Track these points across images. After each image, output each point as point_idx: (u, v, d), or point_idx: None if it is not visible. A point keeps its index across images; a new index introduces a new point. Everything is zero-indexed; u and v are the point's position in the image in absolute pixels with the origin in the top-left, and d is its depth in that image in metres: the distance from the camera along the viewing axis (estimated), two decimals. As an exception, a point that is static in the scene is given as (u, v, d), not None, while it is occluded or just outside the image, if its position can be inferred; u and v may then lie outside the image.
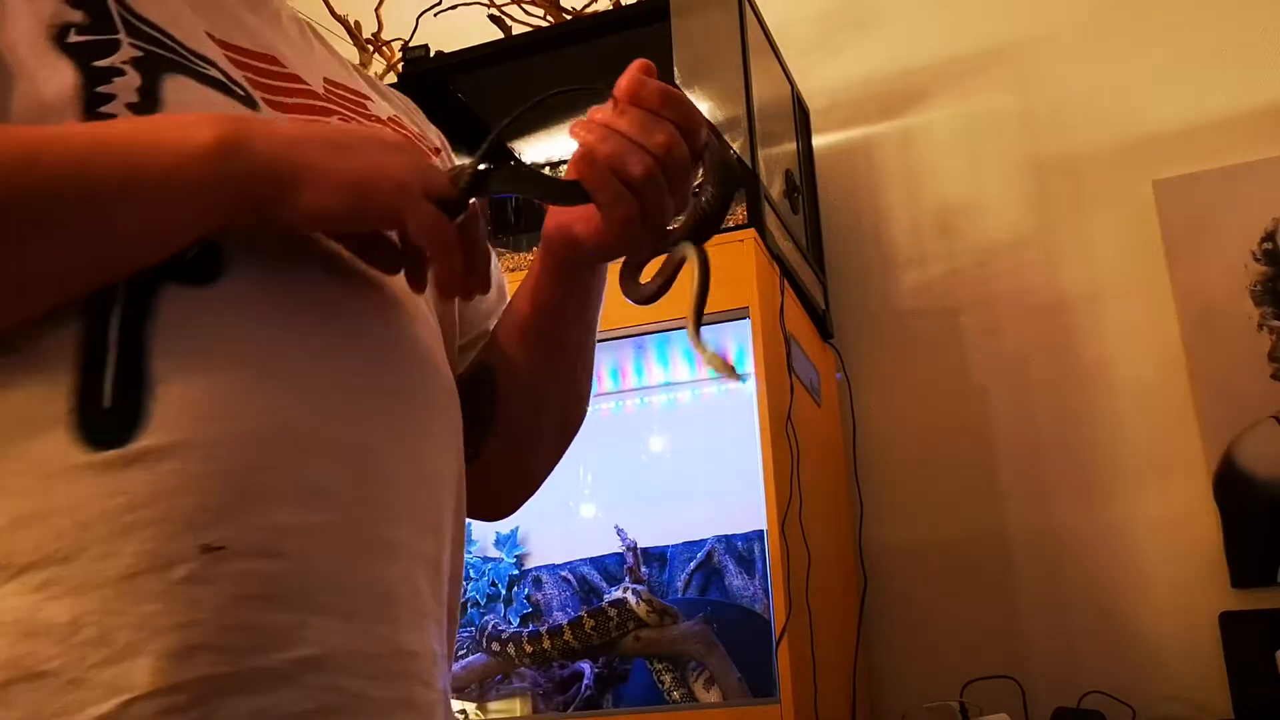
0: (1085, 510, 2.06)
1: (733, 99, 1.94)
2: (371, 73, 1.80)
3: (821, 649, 1.68)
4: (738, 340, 1.87)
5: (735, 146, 1.90)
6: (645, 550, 1.97)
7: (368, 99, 0.87)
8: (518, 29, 2.14)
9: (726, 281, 1.73)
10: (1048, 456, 2.11)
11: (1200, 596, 1.94)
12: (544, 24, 2.14)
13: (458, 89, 2.11)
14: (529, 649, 1.84)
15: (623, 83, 0.72)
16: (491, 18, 2.15)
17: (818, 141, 2.37)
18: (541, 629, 1.86)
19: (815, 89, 2.36)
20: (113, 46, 0.66)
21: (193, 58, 0.71)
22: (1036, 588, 2.06)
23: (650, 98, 0.72)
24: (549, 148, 2.20)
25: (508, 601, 2.02)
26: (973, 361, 2.20)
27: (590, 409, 0.95)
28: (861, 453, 2.15)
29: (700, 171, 0.75)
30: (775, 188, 2.03)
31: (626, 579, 1.93)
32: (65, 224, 0.59)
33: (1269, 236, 2.04)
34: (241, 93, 0.72)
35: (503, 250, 1.98)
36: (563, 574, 2.00)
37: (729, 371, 0.69)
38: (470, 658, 1.89)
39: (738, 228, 1.82)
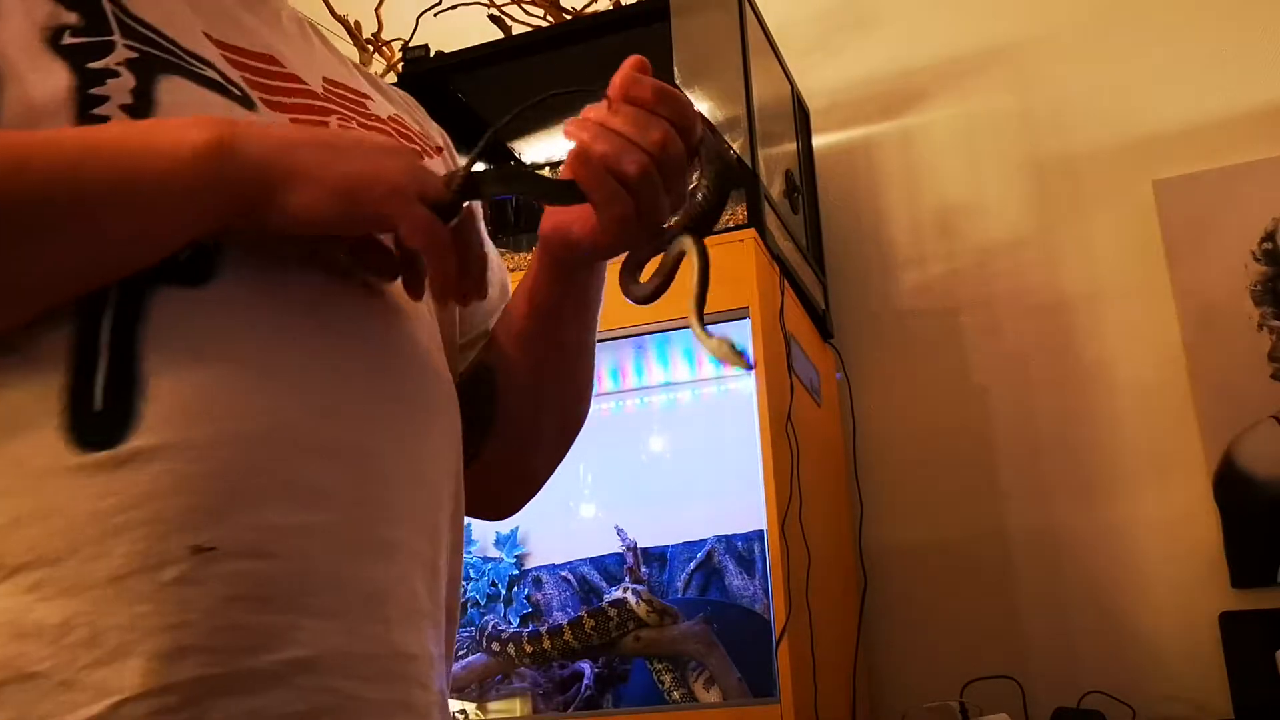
0: (1085, 510, 2.06)
1: (733, 99, 1.94)
2: (371, 72, 1.79)
3: (821, 649, 1.68)
4: (738, 340, 1.87)
5: (735, 146, 1.90)
6: (645, 550, 1.97)
7: (368, 98, 0.87)
8: (518, 29, 2.14)
9: (726, 281, 1.73)
10: (1048, 456, 2.11)
11: (1200, 596, 1.94)
12: (544, 24, 2.14)
13: (458, 89, 2.11)
14: (529, 649, 1.84)
15: (616, 80, 0.72)
16: (491, 18, 2.15)
17: (818, 141, 2.37)
18: (541, 629, 1.86)
19: (815, 89, 2.36)
20: (107, 48, 0.66)
21: (189, 58, 0.70)
22: (1037, 588, 2.06)
23: (644, 95, 0.71)
24: (549, 148, 2.21)
25: (508, 601, 2.02)
26: (973, 361, 2.20)
27: (590, 409, 0.94)
28: (861, 453, 2.15)
29: (696, 168, 0.74)
30: (775, 188, 2.03)
31: (626, 579, 1.93)
32: (56, 228, 0.59)
33: (1269, 236, 2.04)
34: (239, 93, 0.72)
35: (503, 250, 1.98)
36: (563, 574, 2.00)
37: (736, 358, 0.68)
38: (470, 658, 1.89)
39: (738, 228, 1.82)
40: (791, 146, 2.24)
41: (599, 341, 0.90)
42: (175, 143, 0.61)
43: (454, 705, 1.86)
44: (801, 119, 2.31)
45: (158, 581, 0.57)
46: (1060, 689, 1.90)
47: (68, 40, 0.66)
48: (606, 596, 1.88)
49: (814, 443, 1.90)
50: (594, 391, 0.94)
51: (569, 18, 2.12)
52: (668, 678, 1.80)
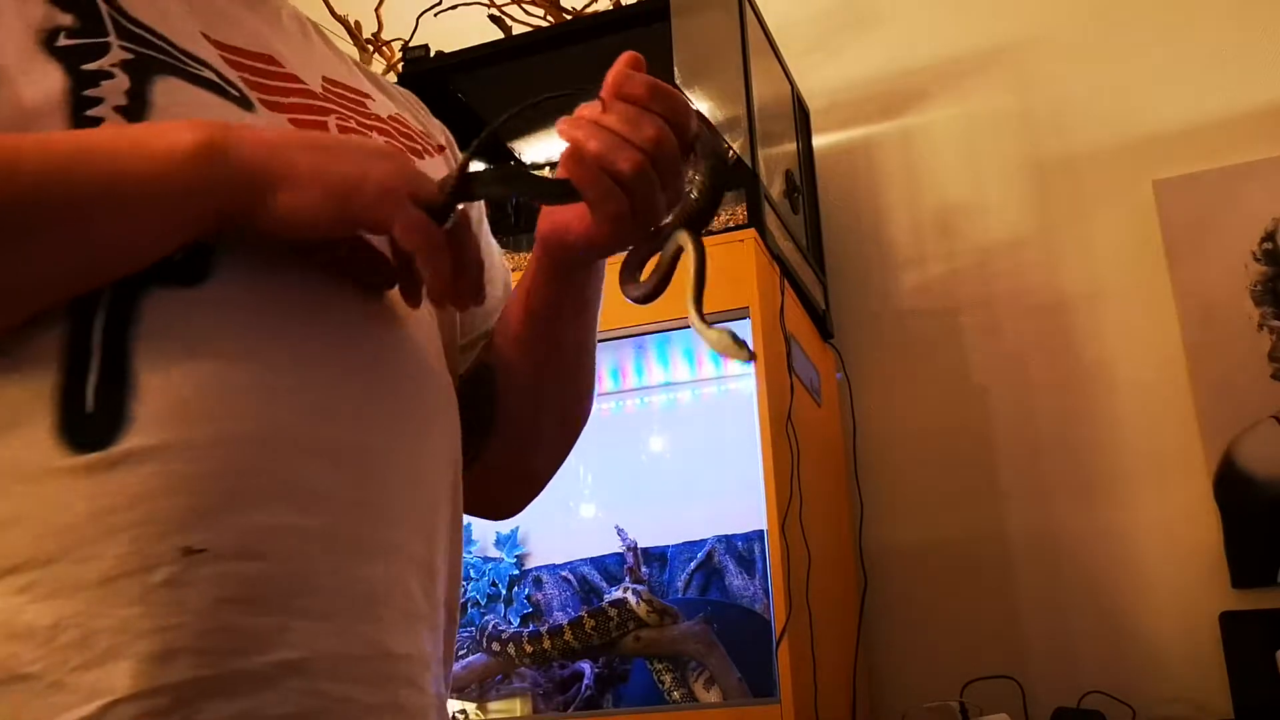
0: (1085, 510, 2.06)
1: (733, 99, 1.94)
2: (373, 71, 1.79)
3: (821, 649, 1.68)
4: (737, 333, 1.87)
5: (735, 146, 1.90)
6: (645, 550, 1.97)
7: (368, 98, 0.86)
8: (518, 29, 2.14)
9: (726, 281, 1.73)
10: (1048, 457, 2.11)
11: (1200, 596, 1.94)
12: (544, 24, 2.14)
13: (458, 89, 2.11)
14: (529, 649, 1.84)
15: (610, 78, 0.71)
16: (491, 18, 2.15)
17: (818, 141, 2.37)
18: (542, 629, 1.86)
19: (815, 89, 2.36)
20: (102, 49, 0.66)
21: (185, 59, 0.70)
22: (1037, 588, 2.06)
23: (638, 91, 0.70)
24: (549, 148, 2.21)
25: (508, 601, 2.02)
26: (973, 361, 2.20)
27: (592, 409, 0.94)
28: (861, 453, 2.15)
29: (692, 164, 0.73)
30: (775, 188, 2.03)
31: (627, 579, 1.93)
32: (48, 231, 0.59)
33: (1269, 236, 2.04)
34: (236, 93, 0.72)
35: (503, 250, 1.98)
36: (563, 574, 2.01)
37: (737, 350, 0.67)
38: (470, 658, 1.89)
39: (738, 228, 1.82)
40: (791, 146, 2.24)
41: (599, 341, 0.90)
42: (167, 145, 0.61)
43: (454, 705, 1.86)
44: (801, 119, 2.31)
45: (148, 583, 0.57)
46: (1060, 689, 1.90)
47: (63, 42, 0.65)
48: (607, 596, 1.88)
49: (814, 443, 1.90)
50: (595, 391, 0.94)
51: (569, 18, 2.12)
52: (668, 678, 1.80)
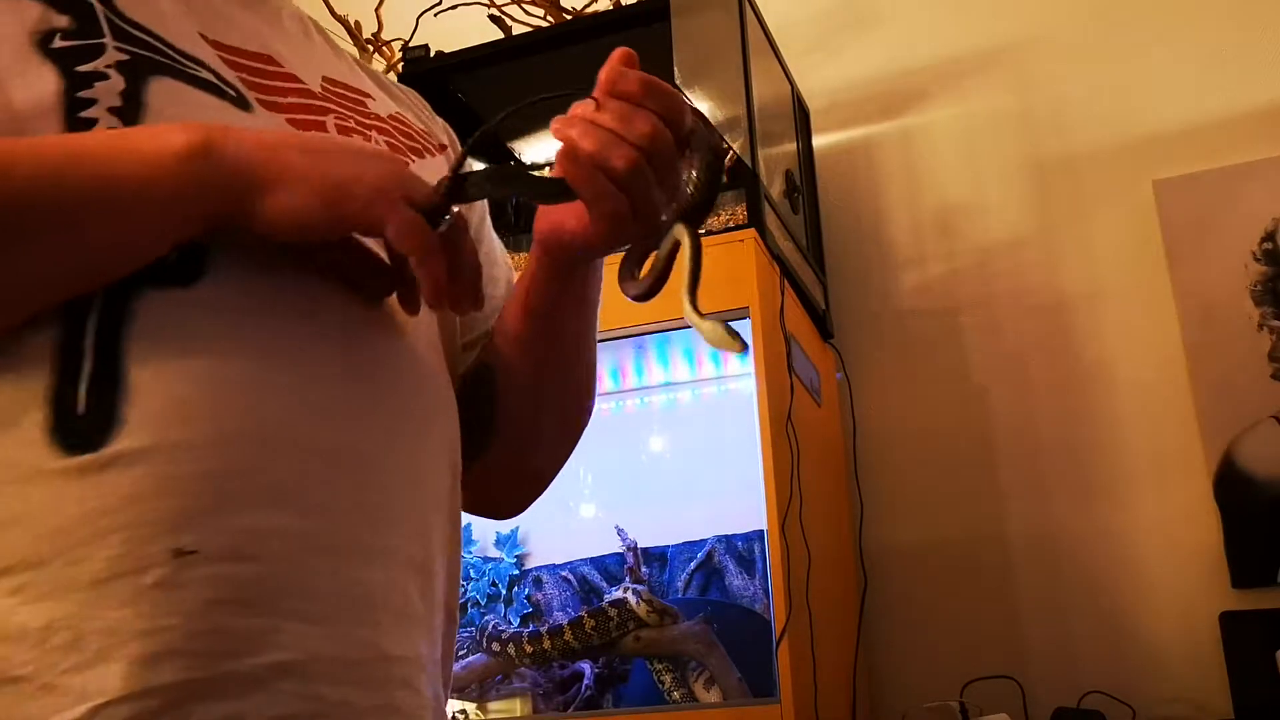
0: (1085, 510, 2.06)
1: (733, 99, 1.94)
2: (375, 70, 1.80)
3: (821, 649, 1.68)
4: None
5: (735, 146, 1.90)
6: (645, 550, 1.97)
7: (368, 97, 0.86)
8: (518, 29, 2.14)
9: (726, 281, 1.73)
10: (1048, 457, 2.11)
11: (1200, 596, 1.94)
12: (544, 24, 2.14)
13: (458, 89, 2.11)
14: (529, 649, 1.84)
15: (602, 75, 0.71)
16: (491, 18, 2.15)
17: (818, 141, 2.37)
18: (542, 629, 1.86)
19: (815, 89, 2.36)
20: (97, 51, 0.66)
21: (182, 60, 0.70)
22: (1037, 587, 2.06)
23: (630, 88, 0.70)
24: (549, 147, 2.20)
25: (508, 601, 2.02)
26: (973, 361, 2.20)
27: (594, 408, 0.94)
28: (861, 453, 2.15)
29: (688, 159, 0.73)
30: (775, 188, 2.03)
31: (627, 579, 1.93)
32: (41, 235, 0.59)
33: (1269, 236, 2.04)
34: (234, 94, 0.72)
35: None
36: (563, 574, 2.01)
37: (731, 342, 0.67)
38: (470, 658, 1.89)
39: (738, 228, 1.82)
40: (791, 146, 2.24)
41: (599, 341, 0.89)
42: (158, 147, 0.61)
43: (454, 705, 1.86)
44: (801, 119, 2.31)
45: (138, 585, 0.57)
46: (1060, 689, 1.90)
47: (58, 44, 0.65)
48: (607, 596, 1.88)
49: (814, 443, 1.90)
50: (596, 391, 0.93)
51: (569, 18, 2.12)
52: (668, 678, 1.80)
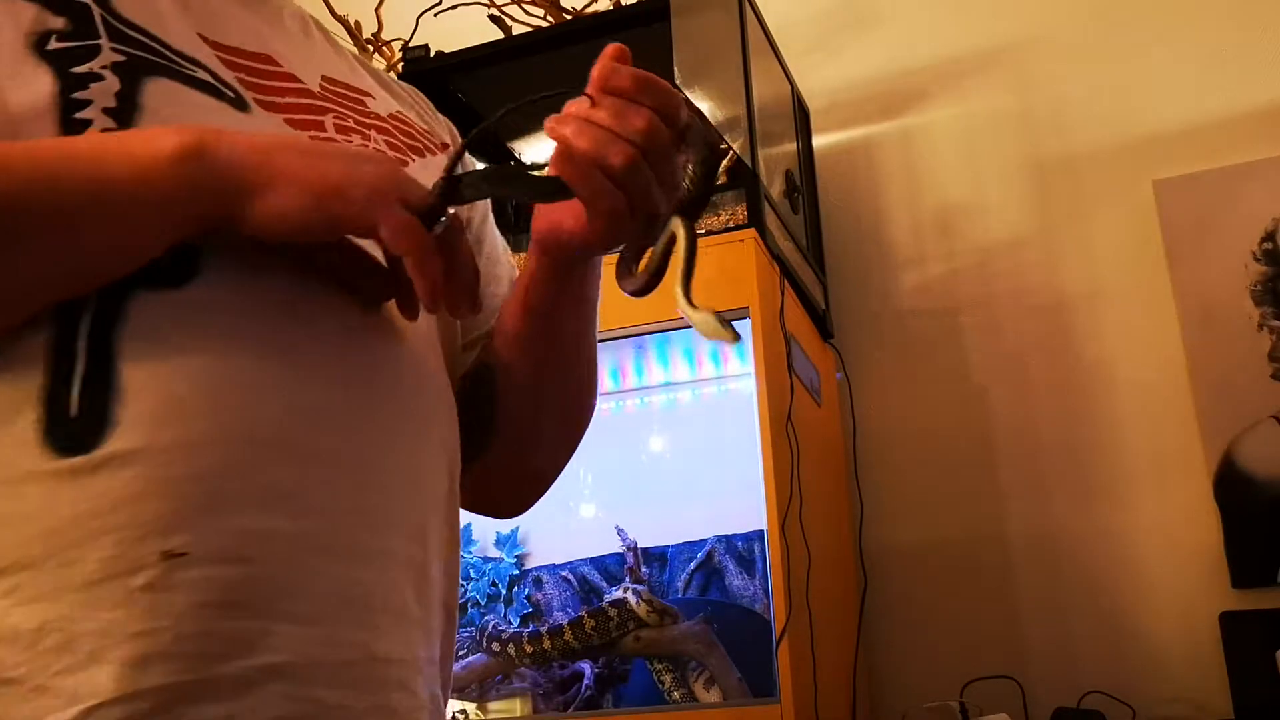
0: (1085, 510, 2.06)
1: (733, 99, 1.94)
2: (377, 68, 1.80)
3: (821, 649, 1.68)
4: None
5: (735, 146, 1.90)
6: (645, 550, 1.97)
7: (368, 96, 0.86)
8: (518, 29, 2.14)
9: (726, 281, 1.73)
10: (1048, 457, 2.11)
11: (1200, 596, 1.94)
12: (544, 24, 2.14)
13: (458, 89, 2.11)
14: (529, 649, 1.84)
15: (595, 72, 0.70)
16: (491, 18, 2.15)
17: (818, 141, 2.37)
18: (542, 629, 1.86)
19: (815, 89, 2.36)
20: (93, 52, 0.66)
21: (179, 60, 0.70)
22: (1037, 587, 2.06)
23: (624, 84, 0.69)
24: (549, 148, 2.20)
25: (508, 601, 2.02)
26: (973, 361, 2.20)
27: (595, 406, 0.94)
28: (861, 453, 2.15)
29: (684, 153, 0.72)
30: (775, 188, 2.03)
31: (627, 579, 1.93)
32: (34, 238, 0.59)
33: (1269, 236, 2.04)
34: (231, 94, 0.72)
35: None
36: (563, 574, 2.01)
37: (723, 332, 0.66)
38: (470, 658, 1.89)
39: (738, 228, 1.82)
40: (791, 146, 2.24)
41: (599, 341, 0.89)
42: (151, 150, 0.61)
43: (454, 705, 1.86)
44: (801, 119, 2.31)
45: (129, 587, 0.57)
46: (1060, 689, 1.90)
47: (53, 45, 0.65)
48: (607, 596, 1.88)
49: (814, 443, 1.90)
50: (598, 390, 0.93)
51: (569, 18, 2.12)
52: (668, 678, 1.80)
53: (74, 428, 0.59)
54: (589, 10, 2.12)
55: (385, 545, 0.68)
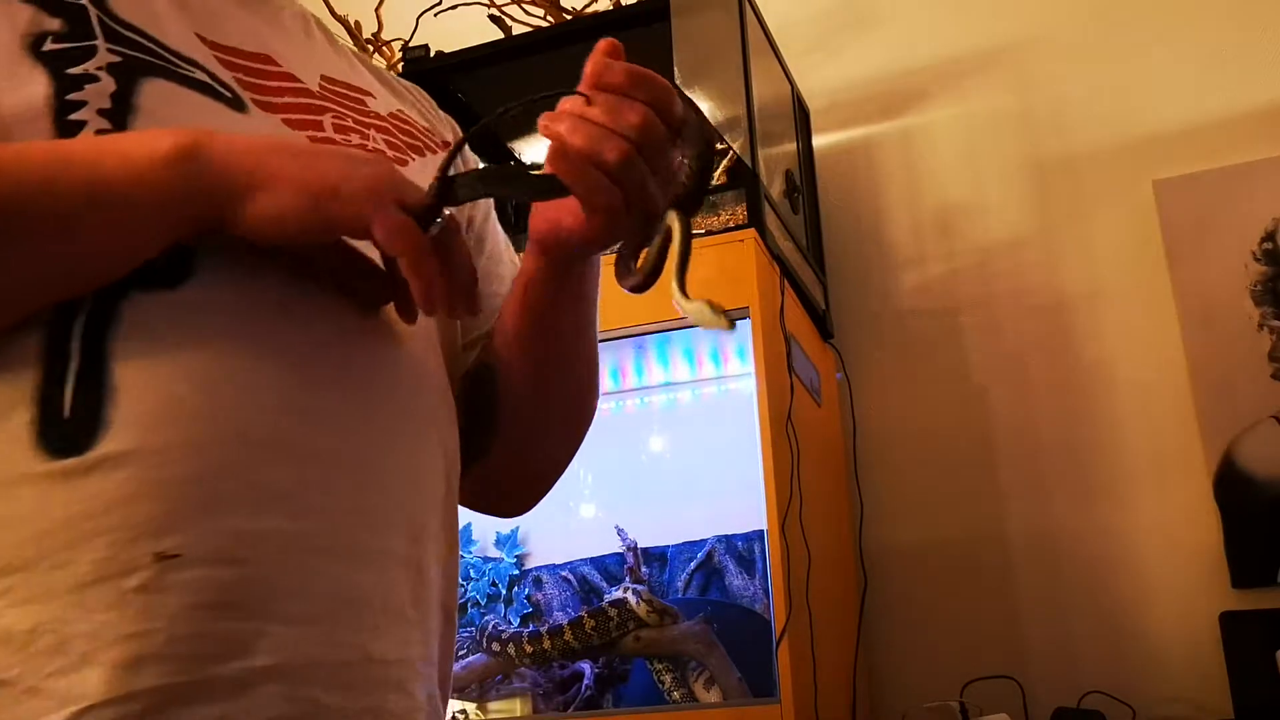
0: (1085, 510, 2.06)
1: (733, 99, 1.94)
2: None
3: (821, 649, 1.68)
4: (738, 340, 1.87)
5: (735, 146, 1.90)
6: (645, 550, 1.97)
7: (368, 95, 0.86)
8: (518, 29, 2.14)
9: (726, 282, 1.73)
10: (1048, 457, 2.11)
11: (1200, 597, 1.94)
12: (544, 24, 2.14)
13: (458, 89, 2.11)
14: (529, 649, 1.84)
15: (588, 69, 0.70)
16: (491, 18, 2.15)
17: (818, 141, 2.37)
18: (542, 629, 1.86)
19: (815, 89, 2.36)
20: (88, 53, 0.66)
21: (176, 60, 0.70)
22: (1037, 587, 2.06)
23: (617, 80, 0.69)
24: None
25: (508, 601, 2.02)
26: (973, 361, 2.20)
27: (598, 404, 0.93)
28: (861, 453, 2.15)
29: (680, 147, 0.72)
30: (775, 188, 2.03)
31: (627, 579, 1.93)
32: (27, 240, 0.59)
33: (1269, 236, 2.04)
34: (229, 94, 0.72)
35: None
36: (563, 574, 2.01)
37: (717, 317, 0.65)
38: (470, 658, 1.89)
39: (738, 228, 1.82)
40: (791, 146, 2.24)
41: (599, 341, 0.89)
42: (145, 152, 0.61)
43: (454, 705, 1.86)
44: (801, 119, 2.31)
45: (121, 589, 0.57)
46: (1060, 689, 1.90)
47: (49, 47, 0.65)
48: (607, 596, 1.88)
49: (814, 443, 1.90)
50: (600, 387, 0.93)
51: (569, 18, 2.12)
52: (668, 678, 1.80)
53: (67, 429, 0.59)
54: (589, 10, 2.12)
55: (382, 546, 0.67)
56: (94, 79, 0.65)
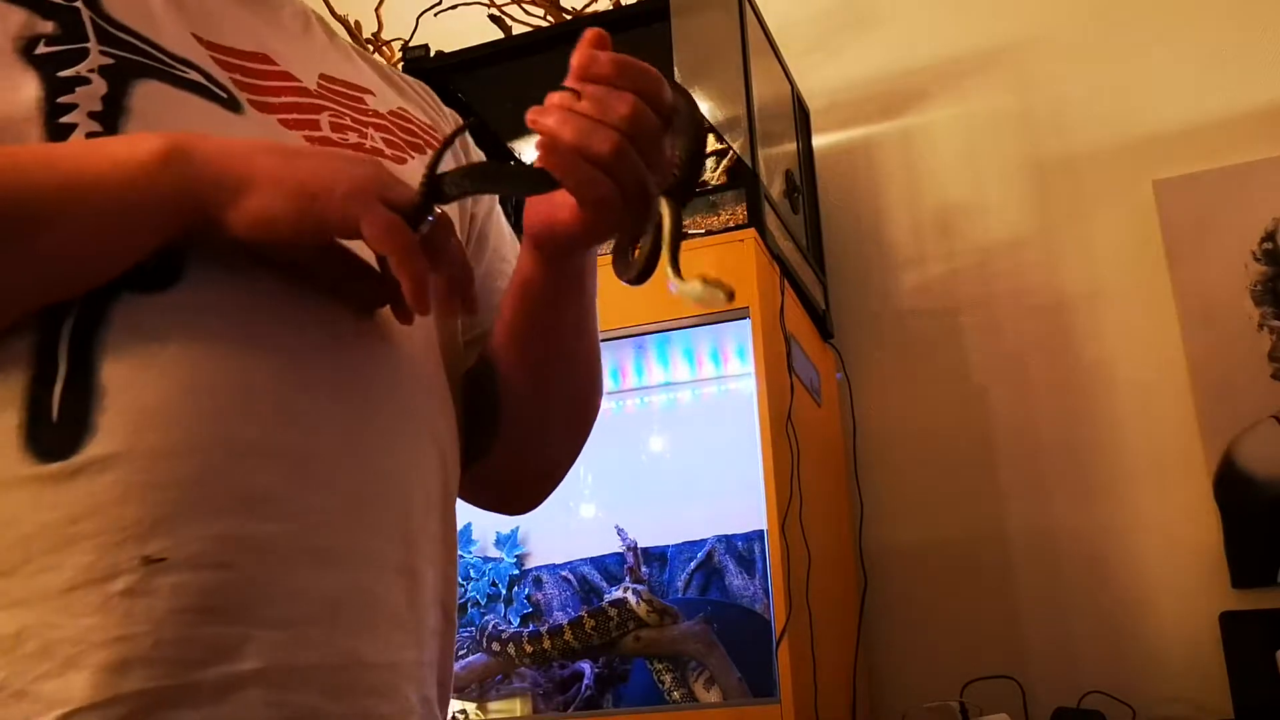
0: (1085, 510, 2.06)
1: (733, 99, 1.94)
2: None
3: (821, 649, 1.68)
4: (738, 340, 1.87)
5: (735, 146, 1.90)
6: (645, 550, 1.97)
7: (367, 93, 0.85)
8: (518, 29, 2.14)
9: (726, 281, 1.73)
10: (1048, 456, 2.11)
11: (1200, 596, 1.94)
12: (544, 24, 2.14)
13: (458, 89, 2.11)
14: (529, 649, 1.84)
15: (574, 60, 0.69)
16: (491, 18, 2.15)
17: (818, 141, 2.37)
18: (542, 629, 1.86)
19: (815, 89, 2.36)
20: (81, 55, 0.65)
21: (171, 62, 0.70)
22: (1036, 587, 2.06)
23: (605, 70, 0.68)
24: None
25: (508, 601, 2.02)
26: (973, 361, 2.20)
27: (601, 401, 0.93)
28: (861, 453, 2.15)
29: (671, 135, 0.71)
30: (775, 188, 2.03)
31: (627, 579, 1.93)
32: (15, 243, 0.59)
33: (1269, 236, 2.04)
34: (225, 95, 0.71)
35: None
36: (563, 574, 2.01)
37: (716, 292, 0.65)
38: (470, 658, 1.89)
39: (738, 228, 1.82)
40: (791, 146, 2.24)
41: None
42: (133, 155, 0.61)
43: (454, 705, 1.86)
44: (801, 119, 2.31)
45: (107, 593, 0.57)
46: (1060, 689, 1.90)
47: (42, 49, 0.65)
48: (607, 596, 1.88)
49: (814, 443, 1.90)
50: (603, 383, 0.92)
51: (569, 18, 2.12)
52: (668, 678, 1.80)
53: (55, 432, 0.59)
54: (589, 10, 2.12)
55: (374, 548, 0.67)
56: (85, 81, 0.65)
